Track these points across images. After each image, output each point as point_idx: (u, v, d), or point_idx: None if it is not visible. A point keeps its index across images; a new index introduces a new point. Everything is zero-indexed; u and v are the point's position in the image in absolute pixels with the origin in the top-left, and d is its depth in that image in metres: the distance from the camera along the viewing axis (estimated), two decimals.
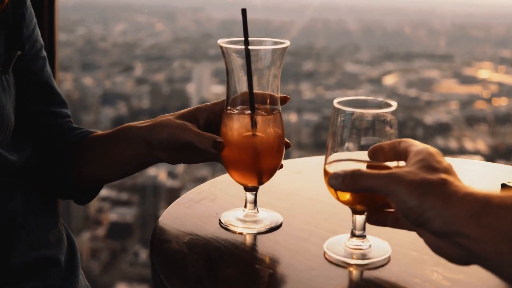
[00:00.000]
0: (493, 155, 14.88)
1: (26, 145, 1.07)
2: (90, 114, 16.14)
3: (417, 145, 0.77)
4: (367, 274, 0.80)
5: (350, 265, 0.81)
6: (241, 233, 0.91)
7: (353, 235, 0.86)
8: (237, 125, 0.90)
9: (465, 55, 18.87)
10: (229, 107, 0.92)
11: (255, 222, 0.93)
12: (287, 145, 0.95)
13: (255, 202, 0.94)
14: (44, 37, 1.93)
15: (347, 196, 0.81)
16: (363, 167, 0.80)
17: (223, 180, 1.09)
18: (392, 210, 0.80)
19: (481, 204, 0.66)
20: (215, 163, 0.96)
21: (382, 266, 0.81)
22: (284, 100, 0.94)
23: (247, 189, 0.94)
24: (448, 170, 0.72)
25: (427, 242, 0.73)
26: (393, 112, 0.81)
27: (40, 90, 1.11)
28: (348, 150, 0.81)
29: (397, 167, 0.79)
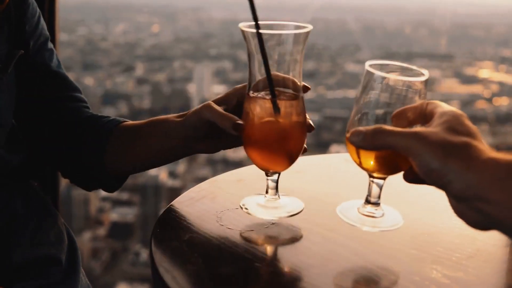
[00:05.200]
0: None
1: (25, 145, 1.07)
2: None
3: (443, 107, 0.76)
4: (369, 267, 0.80)
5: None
6: (262, 219, 0.91)
7: (367, 202, 0.86)
8: (257, 109, 0.89)
9: (466, 54, 18.87)
10: (251, 91, 0.90)
11: (276, 208, 0.94)
12: (310, 128, 0.93)
13: (276, 188, 0.94)
14: None
15: (368, 160, 0.81)
16: None
17: (222, 179, 1.09)
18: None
19: (504, 169, 0.64)
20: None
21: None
22: (305, 89, 0.92)
23: (268, 174, 0.93)
24: (472, 134, 0.70)
25: (450, 203, 0.70)
26: (424, 82, 0.79)
27: (50, 79, 1.11)
28: (374, 116, 0.80)
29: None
